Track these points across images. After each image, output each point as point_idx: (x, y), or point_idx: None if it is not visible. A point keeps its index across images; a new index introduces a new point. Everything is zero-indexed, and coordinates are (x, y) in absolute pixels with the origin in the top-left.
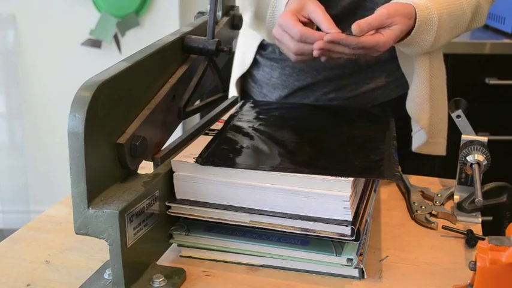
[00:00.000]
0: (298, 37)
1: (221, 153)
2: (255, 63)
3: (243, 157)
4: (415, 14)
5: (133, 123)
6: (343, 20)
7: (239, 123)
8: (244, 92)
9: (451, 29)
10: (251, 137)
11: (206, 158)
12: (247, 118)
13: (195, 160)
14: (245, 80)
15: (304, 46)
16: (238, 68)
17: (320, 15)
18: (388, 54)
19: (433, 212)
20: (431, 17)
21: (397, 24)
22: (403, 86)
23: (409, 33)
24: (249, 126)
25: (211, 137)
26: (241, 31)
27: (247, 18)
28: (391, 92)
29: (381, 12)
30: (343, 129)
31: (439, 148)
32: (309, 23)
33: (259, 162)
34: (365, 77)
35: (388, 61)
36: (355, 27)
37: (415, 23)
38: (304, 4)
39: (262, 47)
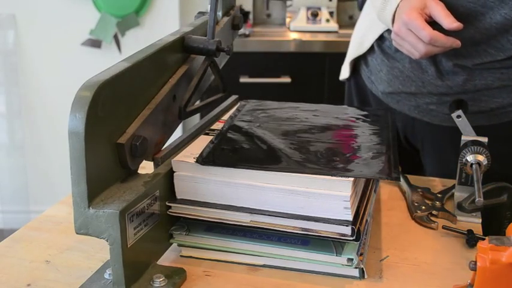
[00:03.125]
0: (428, 40)
1: (221, 153)
2: (371, 48)
3: (244, 157)
4: None
5: (134, 123)
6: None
7: (239, 123)
8: (356, 71)
9: None
10: (251, 137)
11: (206, 158)
12: (247, 118)
13: (195, 160)
14: (358, 60)
15: (433, 48)
16: (355, 50)
17: (440, 12)
18: (498, 82)
19: (433, 212)
20: None
21: None
22: (508, 114)
23: None
24: (249, 126)
25: (212, 137)
26: (364, 13)
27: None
28: (494, 118)
29: None
30: (344, 129)
31: None
32: (429, 20)
33: (259, 162)
34: (470, 99)
35: (498, 88)
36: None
37: None
38: (426, 1)
39: (381, 37)
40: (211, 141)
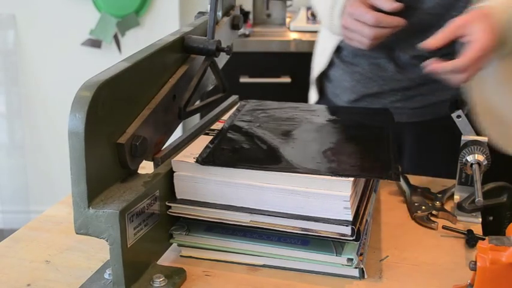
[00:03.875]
0: (373, 22)
1: (221, 153)
2: (331, 63)
3: (243, 157)
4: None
5: (134, 123)
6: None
7: (239, 123)
8: (321, 90)
9: None
10: (251, 137)
11: (206, 158)
12: (247, 118)
13: (195, 160)
14: (321, 78)
15: (380, 30)
16: (317, 67)
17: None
18: None
19: (433, 212)
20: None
21: (476, 37)
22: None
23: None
24: (249, 126)
25: (211, 137)
26: (320, 35)
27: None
28: None
29: (453, 23)
30: (344, 130)
31: None
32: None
33: (259, 162)
34: (432, 89)
35: None
36: (424, 45)
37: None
38: None
39: (338, 49)
40: (211, 141)
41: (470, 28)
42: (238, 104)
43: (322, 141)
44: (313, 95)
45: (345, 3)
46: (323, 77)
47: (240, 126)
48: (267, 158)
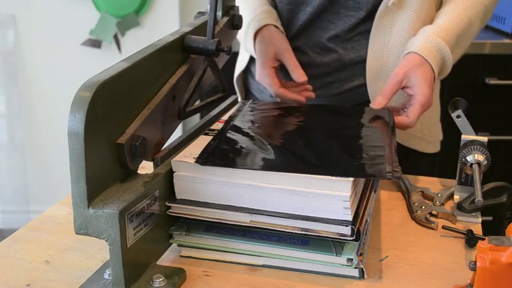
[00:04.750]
0: (275, 96)
1: (221, 153)
2: (252, 59)
3: (243, 157)
4: (426, 59)
5: (134, 123)
6: (320, 17)
7: (239, 123)
8: (246, 88)
9: (464, 45)
10: (251, 137)
11: (206, 158)
12: (247, 118)
13: (195, 160)
14: (245, 75)
15: (284, 98)
16: (239, 65)
17: (289, 65)
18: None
19: (433, 212)
20: (444, 54)
21: (415, 92)
22: None
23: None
24: (249, 126)
25: (211, 137)
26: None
27: None
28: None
29: (393, 78)
30: (343, 129)
31: (433, 146)
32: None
33: (259, 162)
34: (350, 75)
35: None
36: (374, 106)
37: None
38: (275, 50)
39: None
40: (211, 141)
41: (408, 79)
42: (238, 104)
43: (322, 141)
44: (239, 95)
45: (257, 30)
46: (247, 73)
47: (239, 127)
48: (266, 158)
